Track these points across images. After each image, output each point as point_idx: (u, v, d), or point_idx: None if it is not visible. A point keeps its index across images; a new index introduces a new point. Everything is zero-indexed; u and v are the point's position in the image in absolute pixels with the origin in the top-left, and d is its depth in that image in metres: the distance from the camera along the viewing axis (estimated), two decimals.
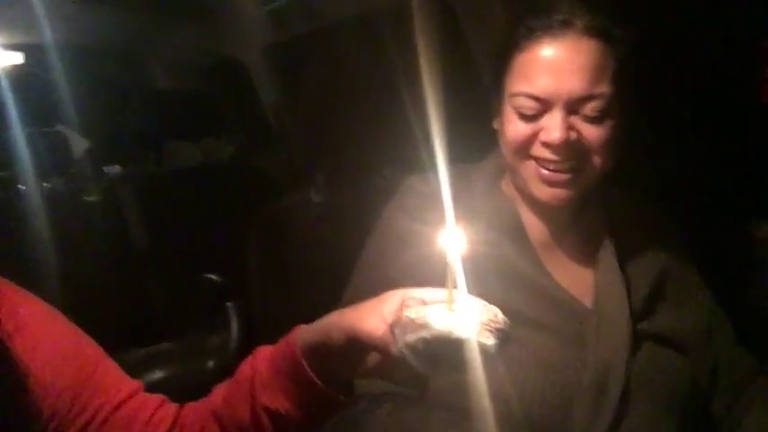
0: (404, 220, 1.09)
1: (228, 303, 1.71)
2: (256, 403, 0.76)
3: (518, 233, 1.08)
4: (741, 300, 1.16)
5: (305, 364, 0.73)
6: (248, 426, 0.77)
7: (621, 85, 0.98)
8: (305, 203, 1.70)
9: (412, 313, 0.65)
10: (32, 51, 2.41)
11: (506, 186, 1.13)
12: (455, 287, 0.67)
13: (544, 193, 1.02)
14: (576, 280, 1.08)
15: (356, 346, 0.70)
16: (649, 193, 1.22)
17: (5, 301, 0.81)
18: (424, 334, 0.63)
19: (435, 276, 0.87)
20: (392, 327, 0.66)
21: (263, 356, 0.78)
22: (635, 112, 1.03)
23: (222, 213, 2.07)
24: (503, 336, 0.66)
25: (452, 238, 0.68)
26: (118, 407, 0.83)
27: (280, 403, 0.75)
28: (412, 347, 0.64)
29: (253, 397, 0.76)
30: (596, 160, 1.00)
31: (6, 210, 1.98)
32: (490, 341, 0.64)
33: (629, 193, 1.18)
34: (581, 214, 1.11)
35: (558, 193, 1.01)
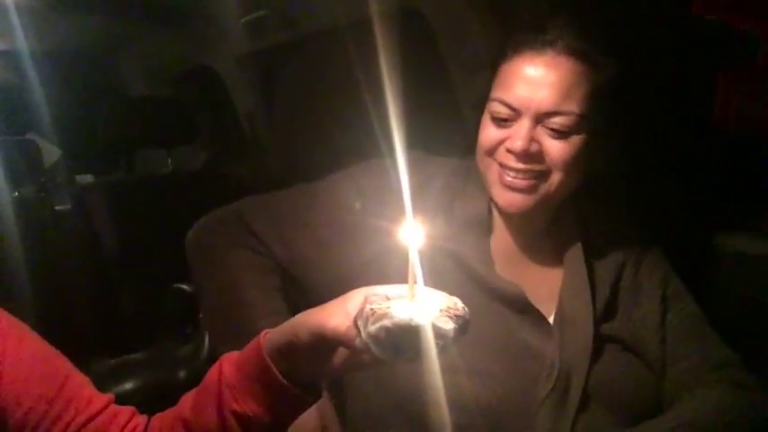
0: (352, 198, 1.13)
1: (201, 314, 1.70)
2: (224, 408, 0.76)
3: (480, 232, 1.11)
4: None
5: (272, 365, 0.74)
6: (217, 430, 0.77)
7: (594, 107, 1.02)
8: None
9: (374, 306, 0.68)
10: (5, 58, 2.38)
11: (482, 192, 1.15)
12: (415, 281, 0.69)
13: (503, 197, 1.05)
14: (543, 287, 1.11)
15: (322, 343, 0.71)
16: (621, 208, 1.25)
17: None
18: (386, 323, 0.66)
19: (393, 270, 0.95)
20: (355, 320, 0.68)
21: (230, 361, 0.79)
22: (606, 135, 1.06)
23: (195, 221, 2.06)
24: (462, 322, 0.68)
25: (411, 232, 0.70)
26: (89, 421, 0.83)
27: (248, 406, 0.75)
28: (374, 337, 0.66)
29: (220, 402, 0.77)
30: (556, 175, 1.03)
31: None
32: (448, 325, 0.67)
33: (602, 206, 1.21)
34: (555, 225, 1.14)
35: (516, 198, 1.04)
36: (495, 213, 1.14)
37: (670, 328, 1.11)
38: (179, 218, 2.24)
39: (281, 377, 0.74)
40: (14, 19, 1.87)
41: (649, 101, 1.36)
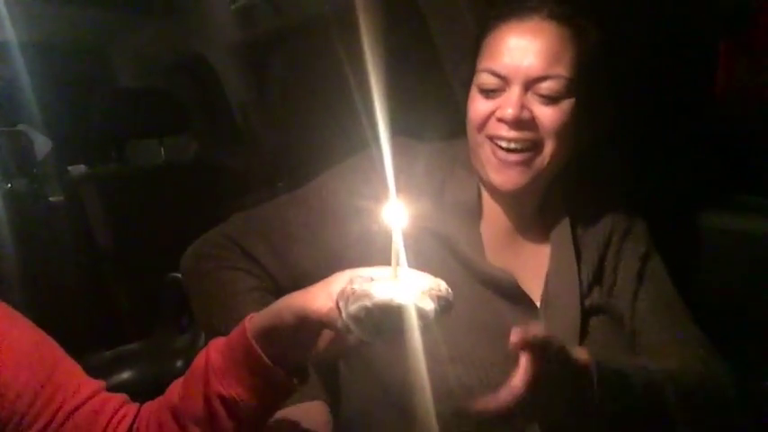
0: (343, 195, 1.10)
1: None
2: (211, 393, 0.77)
3: (470, 217, 1.10)
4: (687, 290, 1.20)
5: (257, 348, 0.74)
6: (203, 417, 0.77)
7: (581, 71, 1.02)
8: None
9: (355, 286, 0.68)
10: None
11: (470, 175, 1.15)
12: (398, 262, 0.70)
13: (499, 176, 1.04)
14: (532, 270, 1.11)
15: (306, 325, 0.72)
16: (608, 182, 1.25)
17: None
18: (365, 302, 0.66)
19: (375, 250, 0.91)
20: (337, 301, 0.69)
21: (217, 347, 0.79)
22: (595, 100, 1.06)
23: (188, 211, 2.06)
24: (444, 303, 0.69)
25: (394, 212, 0.70)
26: (78, 407, 0.83)
27: (234, 391, 0.75)
28: (354, 317, 0.67)
29: (207, 387, 0.77)
30: (549, 143, 1.02)
31: None
32: (430, 306, 0.67)
33: (589, 180, 1.20)
34: (544, 208, 1.14)
35: (511, 176, 1.03)
36: (486, 197, 1.13)
37: (640, 305, 1.11)
38: (172, 208, 2.26)
39: (266, 359, 0.74)
40: (3, 10, 1.86)
41: (643, 73, 1.37)
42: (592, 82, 1.04)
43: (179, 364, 1.73)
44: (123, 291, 2.15)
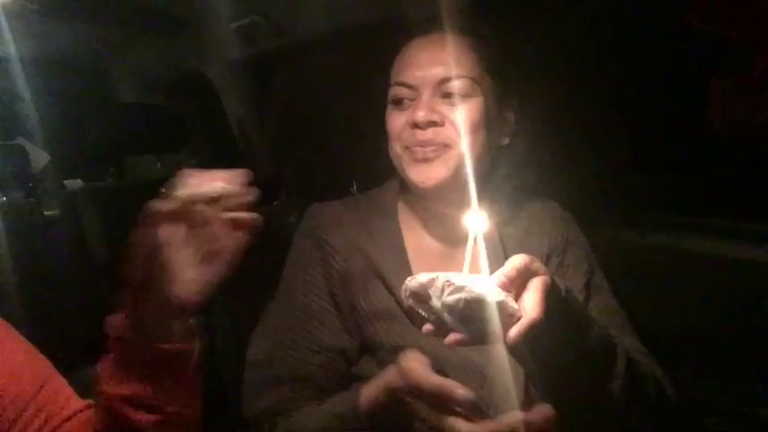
0: (306, 244, 1.18)
1: (191, 320, 1.69)
2: (113, 402, 0.75)
3: (399, 254, 1.15)
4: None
5: (133, 336, 0.74)
6: (125, 426, 0.76)
7: (484, 72, 1.11)
8: (270, 216, 1.70)
9: (441, 277, 0.77)
10: None
11: (402, 210, 1.21)
12: (476, 266, 0.78)
13: (419, 174, 1.09)
14: None
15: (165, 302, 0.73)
16: (545, 201, 1.29)
17: None
18: (464, 295, 0.74)
19: (341, 288, 1.09)
20: (422, 289, 0.77)
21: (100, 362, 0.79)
22: (502, 102, 1.15)
23: None
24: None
25: (475, 218, 0.79)
26: (66, 420, 0.83)
27: (133, 388, 0.75)
28: (450, 307, 0.75)
29: (107, 398, 0.76)
30: (462, 141, 1.08)
31: None
32: (516, 307, 0.77)
33: (521, 198, 1.25)
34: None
35: (429, 170, 1.08)
36: (408, 233, 1.17)
37: (597, 313, 1.12)
38: None
39: (145, 340, 0.74)
40: (4, 25, 1.86)
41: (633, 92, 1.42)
42: (497, 81, 1.13)
43: None
44: (117, 306, 2.13)
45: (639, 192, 1.62)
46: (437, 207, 1.16)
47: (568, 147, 1.53)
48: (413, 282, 0.80)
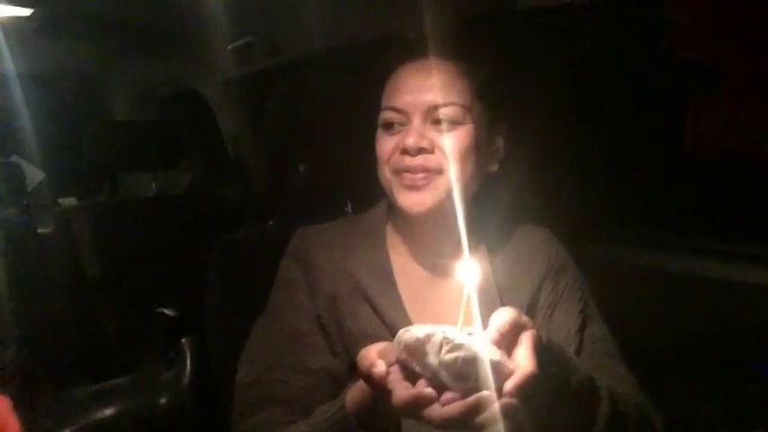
0: (293, 266, 1.17)
1: (183, 339, 1.68)
2: None
3: (386, 278, 1.14)
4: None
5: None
6: None
7: (475, 99, 1.10)
8: (264, 235, 1.70)
9: (438, 333, 0.77)
10: None
11: (389, 233, 1.20)
12: (469, 318, 0.79)
13: (408, 200, 1.09)
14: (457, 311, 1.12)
15: None
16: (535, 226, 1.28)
17: None
18: (462, 354, 0.74)
19: (328, 310, 1.10)
20: (419, 344, 0.76)
21: None
22: (492, 128, 1.14)
23: (178, 245, 2.06)
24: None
25: (467, 270, 0.79)
26: None
27: None
28: (447, 365, 0.75)
29: None
30: (451, 167, 1.07)
31: None
32: (511, 365, 0.77)
33: (504, 220, 1.24)
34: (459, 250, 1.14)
35: (418, 197, 1.08)
36: (396, 257, 1.17)
37: (586, 343, 1.13)
38: (162, 241, 2.25)
39: None
40: (2, 42, 1.87)
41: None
42: (487, 108, 1.12)
43: (163, 400, 1.70)
44: (111, 324, 2.13)
45: (623, 212, 1.64)
46: (425, 231, 1.16)
47: (553, 169, 1.55)
48: (407, 335, 0.79)
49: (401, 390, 0.79)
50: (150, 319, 1.84)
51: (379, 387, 0.81)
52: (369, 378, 0.83)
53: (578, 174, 1.60)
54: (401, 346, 0.80)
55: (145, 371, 1.82)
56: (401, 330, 0.81)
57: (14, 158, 2.23)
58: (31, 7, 1.80)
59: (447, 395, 0.77)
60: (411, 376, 0.81)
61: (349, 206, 1.88)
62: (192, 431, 1.57)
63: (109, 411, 1.61)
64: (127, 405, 1.66)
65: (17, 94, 2.13)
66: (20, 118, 2.18)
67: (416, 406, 0.78)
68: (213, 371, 1.45)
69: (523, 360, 0.79)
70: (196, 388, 1.58)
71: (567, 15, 1.53)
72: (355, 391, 0.93)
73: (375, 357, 0.82)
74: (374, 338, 1.05)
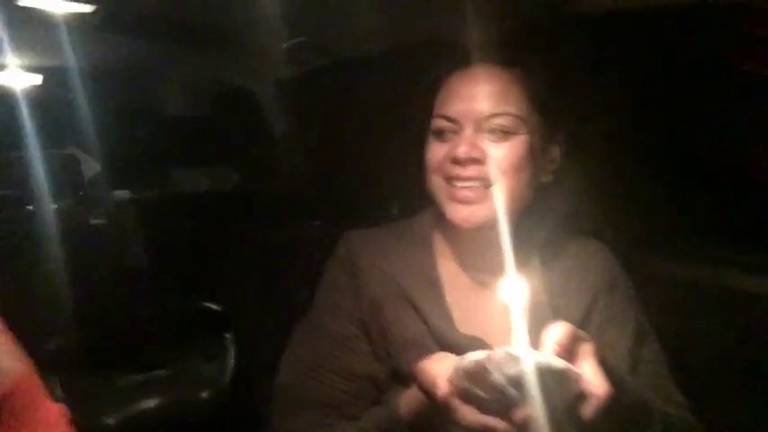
0: (338, 269, 1.17)
1: (227, 334, 1.70)
2: None
3: (434, 288, 1.12)
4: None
5: None
6: None
7: (530, 109, 1.07)
8: (309, 234, 1.71)
9: (497, 351, 0.75)
10: (52, 74, 2.45)
11: (437, 240, 1.18)
12: (518, 333, 0.78)
13: (458, 214, 1.06)
14: (504, 326, 1.10)
15: None
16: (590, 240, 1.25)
17: None
18: (526, 366, 0.73)
19: (372, 316, 1.08)
20: (482, 362, 0.75)
21: None
22: (546, 139, 1.11)
23: (225, 241, 2.09)
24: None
25: (514, 286, 0.78)
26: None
27: None
28: (513, 380, 0.73)
29: None
30: (503, 179, 1.05)
31: (13, 228, 2.00)
32: (578, 371, 0.77)
33: (558, 233, 1.21)
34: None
35: (471, 212, 1.06)
36: (443, 264, 1.15)
37: (638, 362, 1.10)
38: (210, 237, 2.28)
39: None
40: (64, 36, 1.92)
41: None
42: (542, 117, 1.09)
43: (204, 394, 1.73)
44: (155, 315, 2.17)
45: (679, 226, 1.59)
46: (475, 244, 1.13)
47: (610, 181, 1.51)
48: (464, 362, 0.78)
49: (469, 413, 0.78)
50: (194, 312, 1.87)
51: (442, 404, 0.81)
52: (430, 395, 0.83)
53: (635, 186, 1.56)
54: (461, 373, 0.78)
55: (187, 364, 1.85)
56: (456, 359, 0.80)
57: (72, 150, 2.29)
58: (94, 4, 1.84)
59: (521, 412, 0.75)
60: (471, 397, 0.79)
61: (396, 209, 1.88)
62: (231, 427, 1.58)
63: (152, 403, 1.64)
64: (169, 397, 1.69)
65: (76, 87, 2.19)
66: (79, 111, 2.23)
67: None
68: (254, 368, 1.46)
69: (593, 378, 0.79)
70: (237, 384, 1.59)
71: (625, 22, 1.49)
72: (410, 400, 0.93)
73: (436, 375, 0.82)
74: (418, 346, 1.04)
